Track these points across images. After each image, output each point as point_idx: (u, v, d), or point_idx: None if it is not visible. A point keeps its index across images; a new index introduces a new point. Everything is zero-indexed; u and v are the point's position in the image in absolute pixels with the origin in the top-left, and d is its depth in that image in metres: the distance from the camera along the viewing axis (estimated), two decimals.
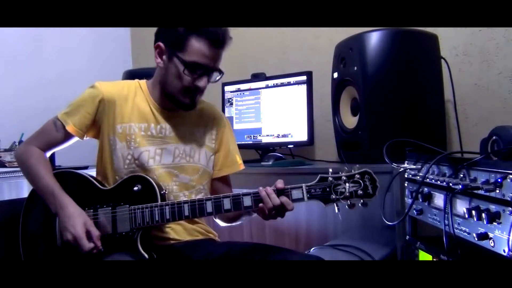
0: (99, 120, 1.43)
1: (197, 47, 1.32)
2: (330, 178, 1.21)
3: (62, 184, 1.39)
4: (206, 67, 1.35)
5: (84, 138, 1.46)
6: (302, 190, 1.22)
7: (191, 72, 1.34)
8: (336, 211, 1.21)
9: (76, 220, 1.30)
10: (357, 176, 1.21)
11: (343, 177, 1.21)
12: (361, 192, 1.19)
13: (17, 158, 1.48)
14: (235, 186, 1.59)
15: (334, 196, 1.20)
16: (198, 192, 1.47)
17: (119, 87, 1.46)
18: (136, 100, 1.45)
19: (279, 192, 1.23)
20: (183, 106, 1.41)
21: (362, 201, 1.20)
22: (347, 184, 1.20)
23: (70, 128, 1.41)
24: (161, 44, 1.38)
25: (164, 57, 1.39)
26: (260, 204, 1.23)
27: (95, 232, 1.30)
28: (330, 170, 1.23)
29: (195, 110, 1.47)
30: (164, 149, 1.43)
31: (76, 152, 1.49)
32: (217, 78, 1.41)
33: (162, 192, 1.34)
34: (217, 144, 1.53)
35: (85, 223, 1.30)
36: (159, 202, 1.31)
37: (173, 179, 1.43)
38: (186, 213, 1.29)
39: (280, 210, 1.23)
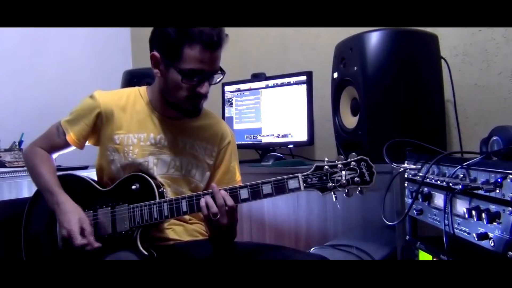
0: (97, 131, 1.43)
1: (192, 54, 1.27)
2: (326, 167, 1.20)
3: (63, 186, 1.39)
4: (204, 72, 1.31)
5: (83, 149, 1.47)
6: (298, 179, 1.20)
7: (189, 80, 1.31)
8: (334, 199, 1.19)
9: (71, 216, 1.31)
10: (353, 163, 1.19)
11: (339, 165, 1.19)
12: (358, 179, 1.18)
13: (24, 158, 1.53)
14: None
15: (331, 185, 1.19)
16: None
17: (118, 97, 1.44)
18: (136, 109, 1.43)
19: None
20: (186, 113, 1.39)
21: (359, 188, 1.19)
22: (343, 172, 1.18)
23: (69, 138, 1.43)
24: (156, 54, 1.33)
25: (161, 67, 1.34)
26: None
27: (88, 229, 1.30)
28: (326, 159, 1.22)
29: (201, 123, 1.46)
30: (160, 159, 1.42)
31: (76, 152, 1.50)
32: (219, 79, 1.38)
33: (160, 190, 1.34)
34: (217, 160, 1.50)
35: (80, 219, 1.31)
36: (157, 200, 1.31)
37: (167, 187, 1.42)
38: (184, 208, 1.28)
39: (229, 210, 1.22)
